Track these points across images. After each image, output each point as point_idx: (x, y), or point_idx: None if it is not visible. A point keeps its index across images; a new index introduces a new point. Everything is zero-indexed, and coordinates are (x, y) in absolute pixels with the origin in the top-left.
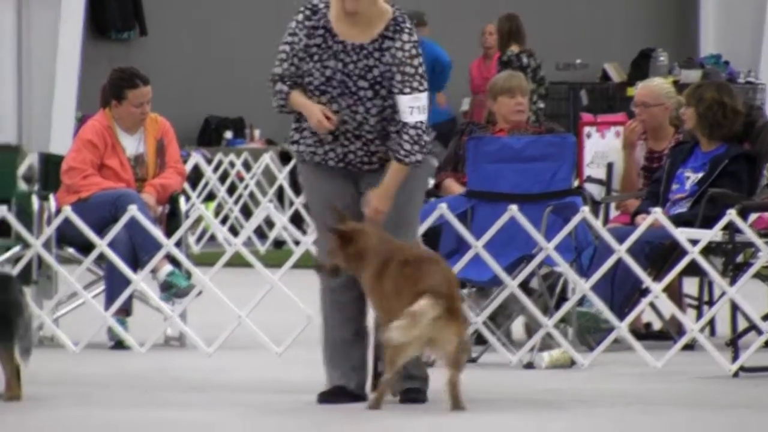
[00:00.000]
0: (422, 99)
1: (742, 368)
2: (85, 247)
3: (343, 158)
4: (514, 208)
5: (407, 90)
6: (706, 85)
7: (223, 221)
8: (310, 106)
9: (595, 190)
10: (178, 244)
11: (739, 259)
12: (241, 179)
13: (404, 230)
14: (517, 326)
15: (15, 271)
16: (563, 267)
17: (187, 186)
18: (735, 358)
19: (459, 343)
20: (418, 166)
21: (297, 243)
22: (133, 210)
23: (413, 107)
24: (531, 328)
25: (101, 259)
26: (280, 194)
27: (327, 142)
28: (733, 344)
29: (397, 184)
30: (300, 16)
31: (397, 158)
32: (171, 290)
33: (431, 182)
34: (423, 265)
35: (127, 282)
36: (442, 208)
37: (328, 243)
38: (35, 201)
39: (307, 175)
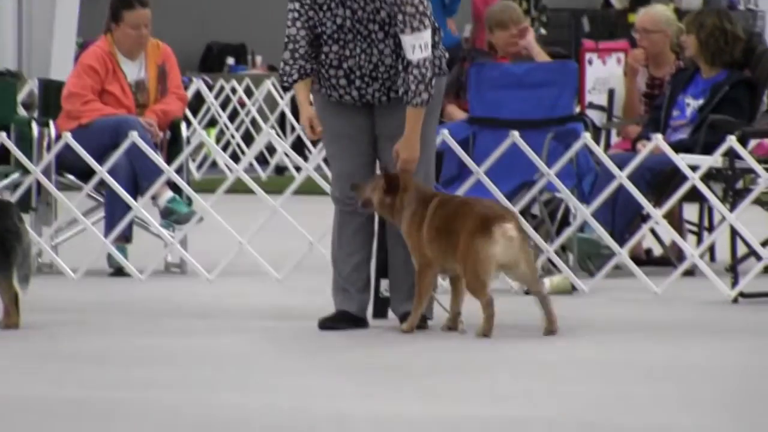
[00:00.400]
0: (424, 37)
1: (741, 294)
2: (85, 174)
3: (360, 98)
4: (515, 135)
5: (408, 30)
6: (707, 12)
7: (225, 147)
8: (304, 109)
9: (597, 117)
10: (179, 171)
11: (739, 185)
12: (243, 105)
13: (422, 149)
14: None
15: (14, 197)
16: (564, 193)
17: (188, 112)
18: (735, 283)
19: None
20: (425, 105)
21: (298, 169)
22: (133, 136)
23: (415, 45)
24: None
25: (101, 185)
26: (281, 120)
27: (342, 86)
28: (733, 270)
29: (416, 128)
30: None
31: (406, 102)
32: (171, 217)
33: None
34: (477, 201)
35: (127, 208)
36: (444, 134)
37: (373, 184)
38: (35, 127)
39: (322, 105)
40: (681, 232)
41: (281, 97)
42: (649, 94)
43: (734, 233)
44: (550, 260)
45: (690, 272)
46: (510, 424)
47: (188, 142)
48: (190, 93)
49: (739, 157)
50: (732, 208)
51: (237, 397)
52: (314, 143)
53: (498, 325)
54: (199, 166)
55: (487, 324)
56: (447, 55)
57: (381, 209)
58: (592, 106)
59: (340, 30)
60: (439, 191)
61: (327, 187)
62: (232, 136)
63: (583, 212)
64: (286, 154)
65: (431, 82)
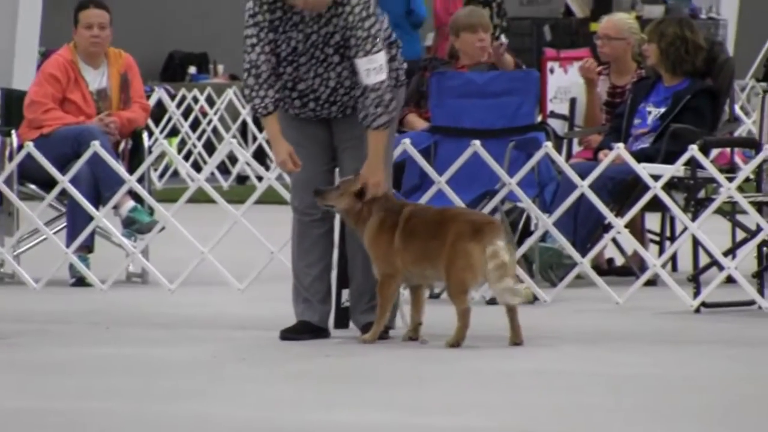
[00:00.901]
0: (378, 59)
1: (703, 304)
2: (47, 183)
3: (316, 117)
4: (477, 144)
5: (361, 53)
6: (668, 21)
7: (186, 157)
8: (278, 143)
9: (558, 126)
10: (140, 180)
11: (701, 194)
12: (205, 114)
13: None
14: None
15: None
16: (526, 202)
17: (150, 121)
18: (697, 293)
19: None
20: (386, 127)
21: (260, 178)
22: (95, 146)
23: (369, 69)
24: None
25: (63, 195)
26: (243, 130)
27: (297, 106)
28: (695, 280)
29: (379, 151)
30: None
31: (366, 125)
32: (133, 226)
33: None
34: (459, 209)
35: (89, 218)
36: (406, 144)
37: (341, 190)
38: None
39: (280, 116)
40: (643, 241)
41: (243, 107)
42: (610, 103)
43: (696, 243)
44: None
45: (652, 282)
46: None
47: (150, 151)
48: (151, 102)
49: (701, 167)
50: (694, 218)
51: (199, 406)
52: None
53: None
54: (161, 176)
55: (461, 333)
56: (405, 66)
57: (347, 215)
58: (553, 115)
59: (294, 53)
60: (408, 201)
61: (288, 197)
62: (194, 146)
63: (544, 222)
64: (248, 164)
65: (390, 103)
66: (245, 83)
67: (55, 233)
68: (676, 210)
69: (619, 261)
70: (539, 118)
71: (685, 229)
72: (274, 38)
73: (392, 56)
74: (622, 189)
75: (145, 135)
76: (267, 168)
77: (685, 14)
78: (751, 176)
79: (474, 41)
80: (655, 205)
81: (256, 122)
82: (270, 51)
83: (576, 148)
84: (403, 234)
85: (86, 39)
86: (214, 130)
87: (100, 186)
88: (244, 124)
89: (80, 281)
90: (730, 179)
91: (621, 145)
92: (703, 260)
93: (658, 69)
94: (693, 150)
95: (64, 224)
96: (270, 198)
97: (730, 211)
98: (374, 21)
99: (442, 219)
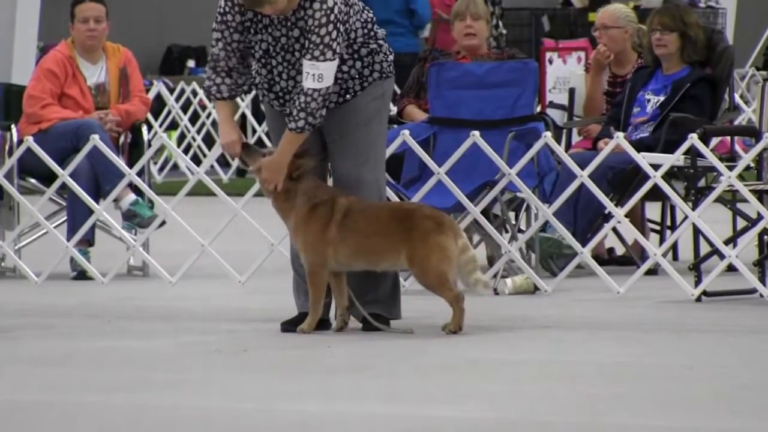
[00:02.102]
0: (321, 68)
1: (704, 293)
2: (47, 178)
3: None
4: (476, 135)
5: (308, 56)
6: (684, 9)
7: (186, 150)
8: (225, 127)
9: (557, 116)
10: (140, 174)
11: (701, 183)
12: (204, 108)
13: (371, 153)
14: (480, 252)
15: None
16: (526, 193)
17: (149, 115)
18: (697, 282)
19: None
20: (300, 132)
21: None
22: (95, 139)
23: (310, 73)
24: (493, 256)
25: (63, 189)
26: (242, 122)
27: (277, 105)
28: (696, 269)
29: (286, 152)
30: None
31: (286, 124)
32: (134, 219)
33: (394, 109)
34: (408, 204)
35: (89, 212)
36: (405, 135)
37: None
38: None
39: (268, 111)
40: (643, 231)
41: (242, 99)
42: (610, 93)
43: (697, 232)
44: (512, 260)
45: (653, 271)
46: (471, 425)
47: (149, 144)
48: (150, 95)
49: (701, 156)
50: (694, 207)
51: (200, 399)
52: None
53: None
54: (161, 169)
55: (459, 318)
56: (391, 58)
57: (273, 193)
58: (552, 105)
59: (267, 55)
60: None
61: None
62: (194, 139)
63: (544, 212)
64: None
65: (316, 113)
66: (205, 73)
67: (55, 227)
68: (676, 199)
69: (620, 250)
70: (538, 109)
71: (686, 218)
72: (244, 39)
73: (372, 50)
74: (622, 178)
75: (144, 128)
76: None
77: (685, 3)
78: (752, 164)
79: (462, 28)
80: (656, 194)
81: (255, 115)
82: (233, 49)
83: (575, 138)
84: (340, 227)
85: (83, 33)
86: (213, 123)
87: (100, 179)
88: (243, 116)
89: (81, 275)
90: (731, 168)
91: (621, 134)
92: (704, 249)
93: (668, 58)
94: (693, 139)
95: (65, 218)
96: None
97: (730, 199)
98: (332, 29)
99: (390, 216)
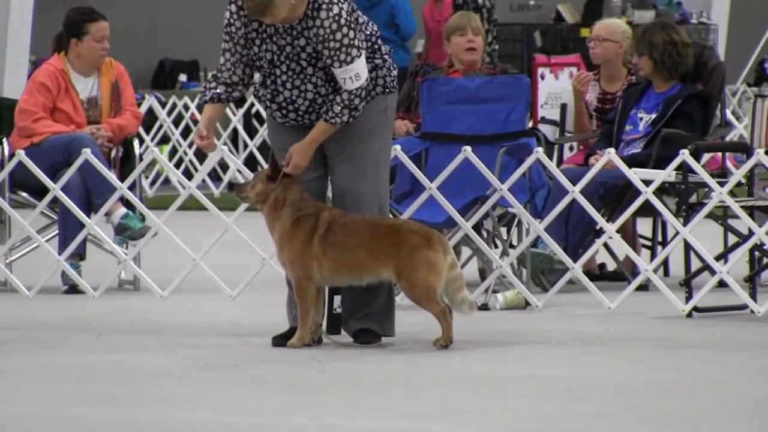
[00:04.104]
0: (353, 69)
1: (695, 308)
2: (39, 191)
3: (300, 124)
4: (468, 150)
5: (337, 64)
6: (652, 29)
7: (178, 164)
8: (203, 123)
9: (549, 131)
10: (131, 188)
11: (693, 199)
12: (196, 122)
13: (374, 170)
14: (472, 268)
15: None
16: (517, 208)
17: (141, 129)
18: (688, 298)
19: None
20: (336, 125)
21: None
22: (86, 153)
23: (346, 78)
24: (485, 271)
25: (55, 203)
26: (234, 137)
27: (280, 116)
28: (687, 284)
29: (319, 140)
30: (233, 7)
31: (325, 119)
32: (125, 233)
33: None
34: (392, 219)
35: (80, 226)
36: (397, 150)
37: (254, 183)
38: None
39: (270, 123)
40: (634, 246)
41: (233, 114)
42: (601, 109)
43: (688, 247)
44: (503, 275)
45: (644, 287)
46: None
47: (141, 158)
48: (142, 110)
49: (693, 171)
50: (685, 223)
51: (191, 413)
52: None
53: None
54: (152, 183)
55: (448, 332)
56: (395, 73)
57: (262, 203)
58: (544, 120)
59: (271, 65)
60: (323, 204)
61: None
62: (185, 153)
63: (536, 227)
64: (239, 171)
65: (356, 109)
66: (206, 81)
67: (47, 241)
68: (667, 215)
69: (611, 266)
70: (530, 124)
71: (677, 233)
72: (249, 52)
73: (376, 65)
74: (613, 194)
75: (136, 142)
76: None
77: (676, 19)
78: (743, 180)
79: (463, 43)
80: (647, 209)
81: (247, 130)
82: (237, 61)
83: (567, 154)
84: (323, 240)
85: (96, 51)
86: None
87: (91, 193)
88: (235, 131)
89: (72, 288)
90: (722, 184)
91: (612, 150)
92: (695, 265)
93: (653, 78)
94: (684, 154)
95: (56, 232)
96: None
97: (721, 215)
98: (347, 31)
99: (374, 231)
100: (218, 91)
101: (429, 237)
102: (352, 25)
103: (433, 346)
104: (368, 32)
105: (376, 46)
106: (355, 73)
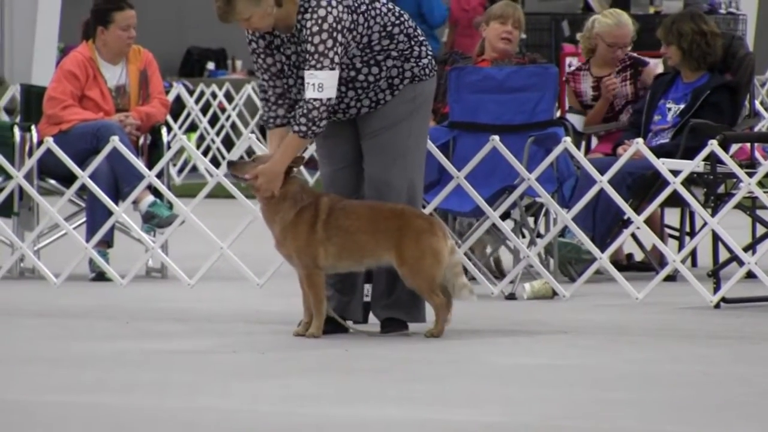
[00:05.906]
0: (318, 77)
1: (723, 299)
2: (67, 179)
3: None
4: (495, 139)
5: (306, 67)
6: (680, 19)
7: (205, 152)
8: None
9: (577, 121)
10: (159, 175)
11: (721, 189)
12: (223, 110)
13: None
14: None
15: None
16: (545, 198)
17: (169, 117)
18: (716, 289)
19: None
20: (303, 137)
21: None
22: (114, 141)
23: (309, 83)
24: (499, 260)
25: (83, 190)
26: (261, 125)
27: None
28: (715, 275)
29: (285, 160)
30: None
31: (292, 128)
32: (153, 221)
33: None
34: (391, 204)
35: (108, 213)
36: None
37: (255, 165)
38: (17, 132)
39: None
40: (662, 237)
41: (244, 127)
42: (596, 97)
43: (716, 238)
44: (531, 265)
45: (671, 277)
46: (489, 429)
47: (169, 146)
48: (170, 98)
49: (721, 162)
50: (714, 213)
51: (217, 401)
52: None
53: (478, 330)
54: (180, 171)
55: (442, 325)
56: (425, 61)
57: (258, 192)
58: (572, 110)
59: (283, 75)
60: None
61: None
62: (213, 141)
63: (563, 217)
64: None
65: (316, 122)
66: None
67: (74, 228)
68: (695, 205)
69: (639, 256)
70: (558, 114)
71: (705, 224)
72: (272, 61)
73: (395, 55)
74: (641, 184)
75: (164, 130)
76: None
77: (704, 9)
78: None
79: (500, 31)
80: (675, 200)
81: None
82: (272, 74)
83: (594, 143)
84: (326, 225)
85: (123, 39)
86: (233, 126)
87: (119, 181)
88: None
89: (100, 276)
90: (750, 174)
91: (640, 140)
92: (723, 255)
93: (681, 68)
94: (713, 145)
95: (84, 219)
96: None
97: (749, 206)
98: (326, 38)
99: (376, 214)
100: (279, 113)
101: (431, 222)
102: (335, 34)
103: (428, 336)
104: (382, 23)
105: (394, 38)
106: (318, 82)
